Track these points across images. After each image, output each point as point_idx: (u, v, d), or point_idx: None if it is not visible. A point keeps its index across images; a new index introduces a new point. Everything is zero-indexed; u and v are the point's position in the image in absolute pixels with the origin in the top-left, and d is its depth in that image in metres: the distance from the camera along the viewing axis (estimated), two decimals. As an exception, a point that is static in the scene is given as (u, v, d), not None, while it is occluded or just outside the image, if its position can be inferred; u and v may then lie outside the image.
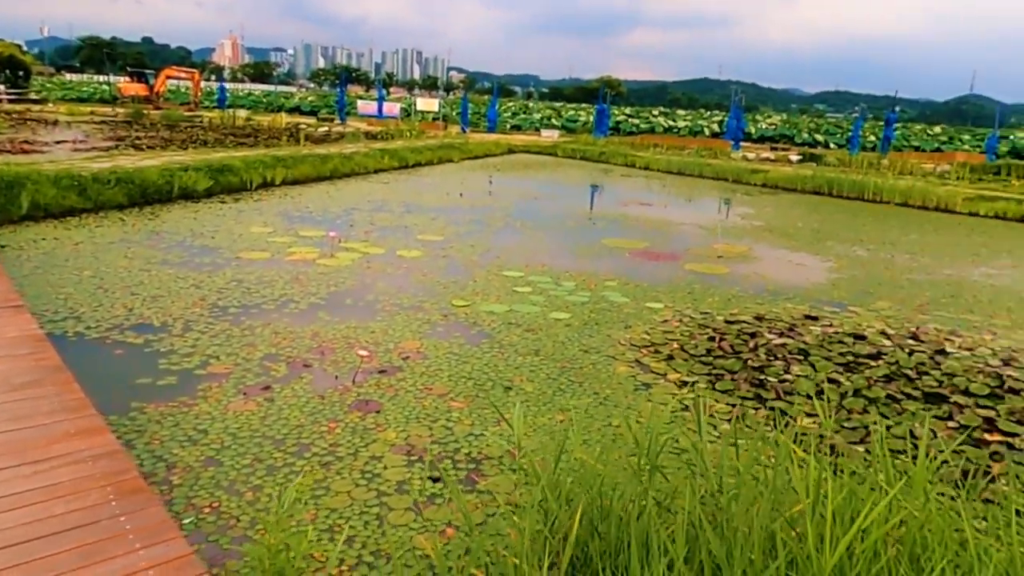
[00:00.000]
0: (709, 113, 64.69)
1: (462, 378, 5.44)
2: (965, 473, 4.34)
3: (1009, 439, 4.84)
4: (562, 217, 13.56)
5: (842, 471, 3.06)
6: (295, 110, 50.14)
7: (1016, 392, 5.65)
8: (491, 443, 4.39)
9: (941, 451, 4.51)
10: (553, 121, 50.31)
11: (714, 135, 45.59)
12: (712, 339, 6.57)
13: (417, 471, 4.05)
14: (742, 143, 35.11)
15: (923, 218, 16.33)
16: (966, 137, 51.01)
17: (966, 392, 5.59)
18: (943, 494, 3.79)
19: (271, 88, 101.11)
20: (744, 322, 7.23)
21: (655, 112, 60.76)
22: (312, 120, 38.61)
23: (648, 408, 5.00)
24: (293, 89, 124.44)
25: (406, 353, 5.89)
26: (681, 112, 62.30)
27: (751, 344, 6.49)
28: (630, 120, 51.46)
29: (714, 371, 5.84)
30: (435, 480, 3.96)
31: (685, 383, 5.57)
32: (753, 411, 5.11)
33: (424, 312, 7.04)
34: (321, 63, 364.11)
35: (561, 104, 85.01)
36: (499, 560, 2.75)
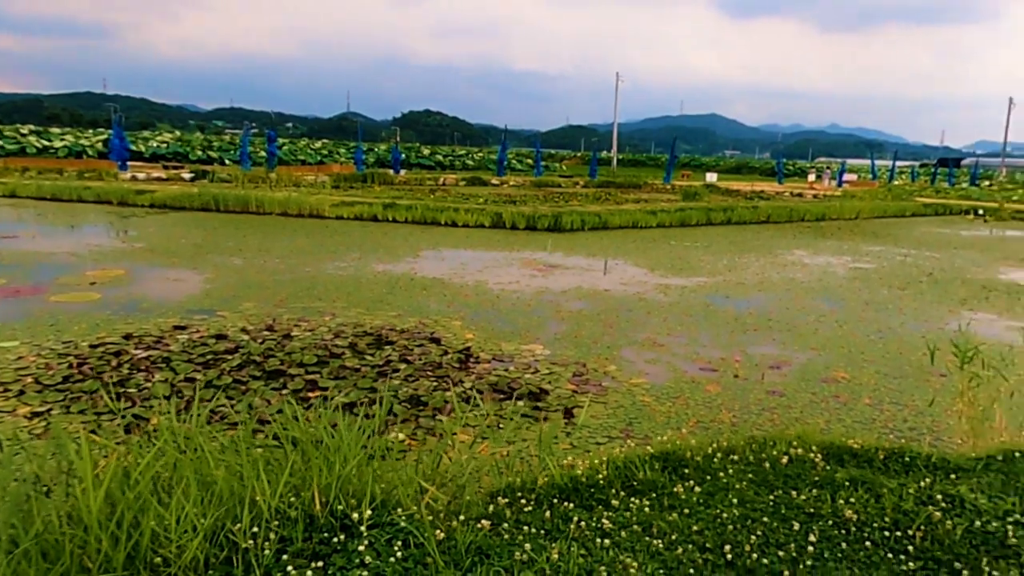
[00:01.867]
0: (94, 131, 59.73)
1: None
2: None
3: (325, 393, 6.22)
4: None
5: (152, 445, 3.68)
6: None
7: (338, 356, 7.22)
8: None
9: (271, 413, 5.59)
10: None
11: (101, 155, 42.55)
12: (71, 366, 6.59)
13: None
14: (132, 163, 33.71)
15: (298, 225, 18.53)
16: (342, 150, 58.46)
17: (301, 364, 6.91)
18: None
19: None
20: (111, 343, 7.38)
21: (25, 130, 53.34)
22: None
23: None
24: None
25: None
26: (57, 130, 56.06)
27: (114, 363, 6.73)
28: (-9, 140, 44.21)
29: (71, 395, 5.92)
30: None
31: (37, 414, 5.54)
32: (110, 422, 5.42)
33: None
34: None
35: None
36: None
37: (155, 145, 49.93)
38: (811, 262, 15.56)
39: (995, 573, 2.95)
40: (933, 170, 69.52)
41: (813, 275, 13.75)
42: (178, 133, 74.84)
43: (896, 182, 57.71)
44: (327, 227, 18.22)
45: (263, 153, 47.52)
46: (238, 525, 2.98)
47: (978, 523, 3.32)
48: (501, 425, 5.63)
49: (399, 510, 3.26)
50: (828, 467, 4.05)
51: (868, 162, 69.49)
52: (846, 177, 55.34)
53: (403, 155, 52.26)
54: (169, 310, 8.92)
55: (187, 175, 31.15)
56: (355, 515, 3.15)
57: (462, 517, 3.28)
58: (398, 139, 55.53)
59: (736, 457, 4.27)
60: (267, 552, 2.86)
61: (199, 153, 48.78)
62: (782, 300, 11.18)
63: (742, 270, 14.03)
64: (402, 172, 42.11)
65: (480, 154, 69.66)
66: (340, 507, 3.19)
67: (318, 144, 64.60)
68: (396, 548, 2.98)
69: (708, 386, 6.90)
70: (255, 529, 2.99)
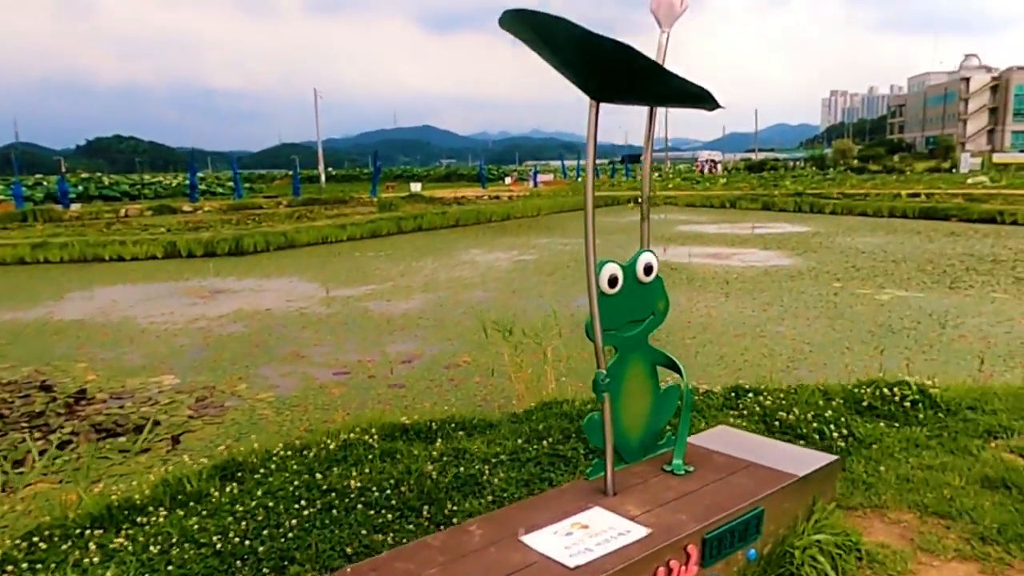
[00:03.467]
0: None
1: None
2: None
3: None
4: None
5: None
6: None
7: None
8: None
9: None
10: None
11: None
12: None
13: None
14: None
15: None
16: (0, 187, 50.81)
17: None
18: None
19: None
20: None
21: None
22: None
23: None
24: None
25: None
26: None
27: None
28: None
29: None
30: None
31: None
32: None
33: None
34: None
35: None
36: None
37: None
38: (482, 259, 16.78)
39: (456, 507, 3.50)
40: (614, 166, 78.31)
41: (479, 271, 14.85)
42: None
43: (581, 179, 64.15)
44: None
45: None
46: None
47: (464, 469, 3.89)
48: (92, 465, 5.37)
49: None
50: (375, 445, 4.45)
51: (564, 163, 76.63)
52: (541, 178, 60.38)
53: (79, 187, 46.91)
54: None
55: None
56: None
57: (-60, 569, 3.12)
58: (64, 169, 49.82)
59: (302, 453, 4.52)
60: None
61: None
62: (441, 298, 11.94)
63: (414, 274, 14.72)
64: (75, 206, 37.69)
65: (175, 180, 64.69)
66: None
67: (-33, 182, 55.33)
68: None
69: (334, 389, 7.19)
70: None
